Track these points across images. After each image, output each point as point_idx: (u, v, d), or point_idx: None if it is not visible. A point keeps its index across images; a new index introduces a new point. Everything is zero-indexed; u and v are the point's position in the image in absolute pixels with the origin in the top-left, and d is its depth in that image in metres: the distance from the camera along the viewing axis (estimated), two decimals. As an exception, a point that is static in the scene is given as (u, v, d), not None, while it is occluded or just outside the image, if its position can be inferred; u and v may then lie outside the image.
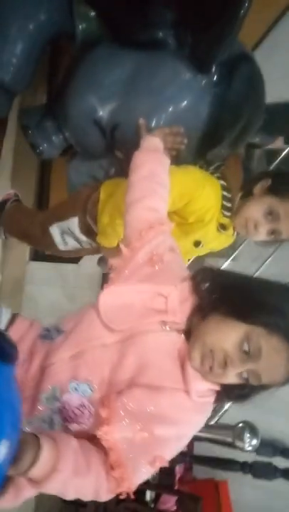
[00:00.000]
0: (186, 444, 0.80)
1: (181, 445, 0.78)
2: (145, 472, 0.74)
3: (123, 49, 1.17)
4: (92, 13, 1.23)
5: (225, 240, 1.29)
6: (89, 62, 1.22)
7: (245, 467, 2.26)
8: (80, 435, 0.76)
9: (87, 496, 0.73)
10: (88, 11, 1.23)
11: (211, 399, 0.79)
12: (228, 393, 0.79)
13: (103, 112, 1.19)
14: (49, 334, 0.85)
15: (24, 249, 2.32)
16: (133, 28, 1.10)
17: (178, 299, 0.80)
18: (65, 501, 2.46)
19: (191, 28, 1.05)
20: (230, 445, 2.19)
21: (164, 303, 0.79)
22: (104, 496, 0.74)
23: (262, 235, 1.14)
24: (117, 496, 0.74)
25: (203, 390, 0.77)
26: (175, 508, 2.30)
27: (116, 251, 1.26)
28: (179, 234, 1.20)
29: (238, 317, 0.74)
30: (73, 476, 0.67)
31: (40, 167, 2.24)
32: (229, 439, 2.04)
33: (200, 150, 1.21)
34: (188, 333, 0.80)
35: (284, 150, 1.85)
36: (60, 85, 1.60)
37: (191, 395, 0.75)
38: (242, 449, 2.05)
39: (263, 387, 0.76)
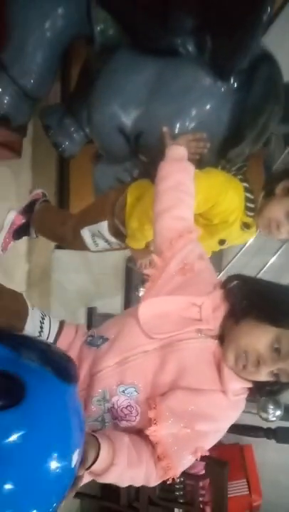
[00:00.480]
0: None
1: (218, 436, 0.89)
2: (188, 461, 0.85)
3: (143, 55, 1.19)
4: (110, 18, 1.24)
5: (248, 236, 1.35)
6: (110, 69, 1.25)
7: (268, 433, 2.41)
8: (129, 430, 0.87)
9: (139, 484, 0.85)
10: (106, 15, 1.25)
11: (244, 396, 0.88)
12: (259, 390, 0.88)
13: (127, 120, 1.23)
14: (94, 341, 0.94)
15: (49, 239, 2.41)
16: (153, 34, 1.12)
17: (211, 308, 0.88)
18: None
19: (211, 35, 1.06)
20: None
21: (198, 312, 0.87)
22: (154, 483, 0.86)
23: (284, 234, 1.20)
24: None
25: (238, 388, 0.86)
26: (203, 471, 2.44)
27: (144, 252, 1.34)
28: (205, 234, 1.26)
29: (269, 322, 0.82)
30: (128, 468, 0.79)
31: (59, 164, 2.30)
32: (254, 411, 2.18)
33: (222, 151, 1.25)
34: (222, 337, 0.87)
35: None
36: (78, 85, 1.63)
37: (228, 394, 0.84)
38: (266, 420, 2.19)
39: None
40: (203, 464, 2.48)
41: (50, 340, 0.96)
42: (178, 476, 0.87)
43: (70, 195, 2.35)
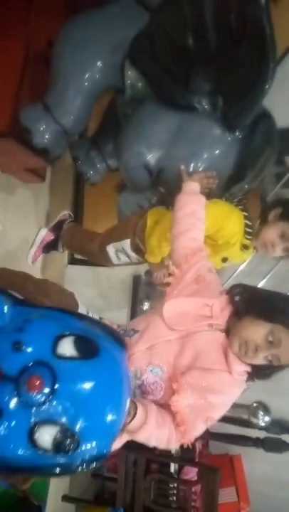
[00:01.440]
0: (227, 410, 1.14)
1: (224, 409, 1.12)
2: (200, 428, 1.08)
3: (166, 108, 1.50)
4: (140, 76, 1.56)
5: (246, 256, 1.63)
6: (138, 117, 1.55)
7: (257, 442, 2.61)
8: (154, 404, 1.11)
9: (162, 444, 1.06)
10: (137, 73, 1.56)
11: (245, 377, 1.13)
12: (256, 372, 1.12)
13: (151, 159, 1.53)
14: (126, 333, 1.18)
15: (63, 255, 2.66)
16: (175, 94, 1.43)
17: (219, 308, 1.13)
18: (92, 475, 2.82)
19: (223, 97, 1.37)
20: (244, 423, 2.53)
21: (210, 311, 1.11)
22: (174, 444, 1.07)
23: (278, 252, 1.48)
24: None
25: (240, 370, 1.10)
26: (196, 478, 2.60)
27: (160, 266, 1.61)
28: (211, 253, 1.53)
29: (264, 318, 1.07)
30: (156, 427, 1.01)
31: (75, 187, 2.60)
32: (245, 417, 2.39)
33: (227, 186, 1.54)
34: (228, 331, 1.12)
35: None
36: (103, 124, 1.92)
37: (233, 374, 1.08)
38: (256, 425, 2.40)
39: (281, 367, 1.09)
40: (195, 470, 2.66)
41: None
42: (192, 441, 1.09)
43: (83, 215, 2.63)
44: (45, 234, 1.88)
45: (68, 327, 0.83)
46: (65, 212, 1.94)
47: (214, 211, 1.45)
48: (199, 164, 1.48)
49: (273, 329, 1.04)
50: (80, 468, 0.77)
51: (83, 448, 0.75)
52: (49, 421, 0.72)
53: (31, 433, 0.71)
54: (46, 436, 0.71)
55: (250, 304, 1.11)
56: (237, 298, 1.14)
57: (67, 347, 0.78)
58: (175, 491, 2.47)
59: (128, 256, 1.65)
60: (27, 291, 1.17)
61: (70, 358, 0.77)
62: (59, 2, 1.96)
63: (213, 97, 1.40)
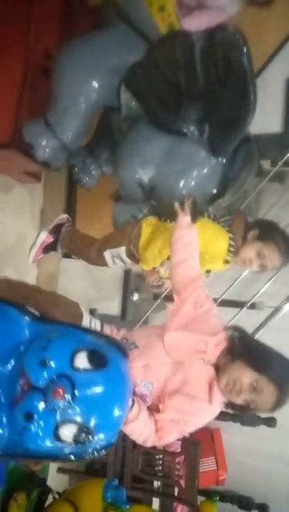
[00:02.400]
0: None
1: (197, 427, 1.26)
2: (174, 437, 1.26)
3: (159, 130, 1.65)
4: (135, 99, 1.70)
5: (225, 268, 1.83)
6: (133, 137, 1.71)
7: (234, 417, 2.87)
8: None
9: (140, 440, 1.24)
10: (132, 96, 1.70)
11: (221, 407, 1.26)
12: (232, 406, 1.26)
13: (144, 176, 1.70)
14: (128, 344, 1.28)
15: (57, 249, 2.82)
16: (167, 119, 1.58)
17: (214, 345, 1.23)
18: None
19: (209, 126, 1.54)
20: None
21: (205, 347, 1.22)
22: (149, 444, 1.26)
23: (255, 268, 1.71)
24: (134, 442, 1.28)
25: (220, 401, 1.23)
26: (179, 449, 2.86)
27: (152, 272, 1.80)
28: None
29: (255, 368, 1.19)
30: (142, 425, 1.19)
31: (67, 186, 2.74)
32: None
33: (211, 200, 1.73)
34: (217, 366, 1.24)
35: (271, 171, 2.39)
36: (96, 134, 2.05)
37: (212, 403, 1.21)
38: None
39: (254, 410, 1.24)
40: (179, 443, 2.93)
41: None
42: (163, 445, 1.31)
43: (76, 212, 2.79)
44: (45, 236, 2.04)
45: (81, 342, 1.02)
46: (63, 216, 2.10)
47: (204, 233, 1.63)
48: (188, 181, 1.66)
49: (259, 379, 1.18)
50: (92, 455, 0.98)
51: (96, 439, 0.96)
52: (69, 421, 0.92)
53: (56, 430, 0.91)
54: (67, 432, 0.92)
55: (246, 351, 1.23)
56: (236, 342, 1.26)
57: (82, 361, 0.97)
58: (160, 462, 2.72)
59: (123, 261, 1.84)
60: (40, 305, 1.32)
61: (85, 370, 0.96)
62: (54, 14, 2.05)
63: (201, 124, 1.56)
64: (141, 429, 1.20)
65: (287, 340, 2.94)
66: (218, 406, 1.24)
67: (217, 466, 3.15)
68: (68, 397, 0.91)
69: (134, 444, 2.77)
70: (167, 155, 1.65)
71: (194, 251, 1.42)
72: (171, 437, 1.26)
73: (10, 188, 2.51)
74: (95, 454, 1.00)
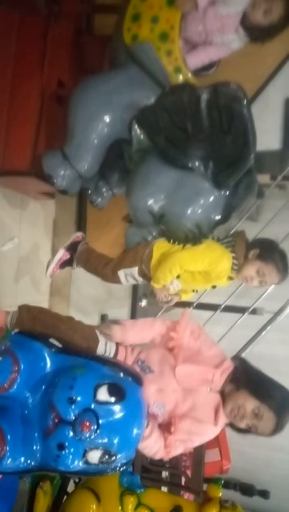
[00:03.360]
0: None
1: (201, 443, 1.48)
2: (179, 452, 1.42)
3: (168, 164, 1.79)
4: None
5: (229, 283, 1.99)
6: (144, 169, 1.85)
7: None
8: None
9: (150, 454, 1.40)
10: (143, 133, 1.83)
11: (223, 426, 1.41)
12: (235, 428, 1.40)
13: (155, 205, 1.84)
14: (143, 367, 1.42)
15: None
16: (175, 157, 1.72)
17: (219, 374, 1.38)
18: None
19: (213, 163, 1.67)
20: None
21: (212, 376, 1.38)
22: (158, 457, 1.41)
23: (255, 284, 1.86)
24: None
25: (223, 423, 1.38)
26: None
27: (162, 289, 1.96)
28: (204, 282, 1.91)
29: (257, 397, 1.33)
30: (153, 442, 1.35)
31: (78, 199, 2.88)
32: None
33: (216, 225, 1.87)
34: (223, 392, 1.39)
35: (271, 185, 2.53)
36: (108, 160, 2.18)
37: (217, 426, 1.37)
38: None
39: (256, 434, 1.37)
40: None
41: (111, 355, 1.56)
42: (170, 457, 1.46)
43: (87, 224, 2.93)
44: (62, 254, 2.20)
45: (101, 377, 1.19)
46: (78, 234, 2.25)
47: (211, 254, 1.80)
48: (195, 209, 1.81)
49: (261, 407, 1.32)
50: (113, 471, 1.17)
51: (118, 459, 1.14)
52: (95, 447, 1.10)
53: (84, 456, 1.09)
54: (94, 456, 1.11)
55: (249, 381, 1.38)
56: (240, 373, 1.41)
57: (103, 395, 1.14)
58: None
59: (135, 279, 2.00)
60: (60, 331, 1.49)
61: (107, 403, 1.13)
62: (66, 45, 2.16)
63: (206, 161, 1.70)
64: (152, 446, 1.37)
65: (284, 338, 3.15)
66: (221, 427, 1.40)
67: (221, 457, 3.35)
68: (94, 427, 1.09)
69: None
70: (175, 186, 1.79)
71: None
72: (177, 452, 1.43)
73: (26, 205, 2.66)
74: (116, 470, 1.18)
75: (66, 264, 2.25)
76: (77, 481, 1.98)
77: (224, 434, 3.42)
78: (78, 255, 2.17)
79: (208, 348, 1.46)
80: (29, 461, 1.19)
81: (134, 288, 2.92)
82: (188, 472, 2.93)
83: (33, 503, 1.73)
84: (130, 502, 1.63)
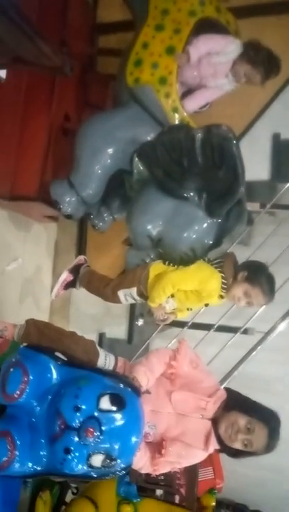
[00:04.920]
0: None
1: (188, 465, 1.61)
2: (166, 471, 1.53)
3: (165, 194, 1.96)
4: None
5: (222, 302, 2.13)
6: (144, 197, 2.02)
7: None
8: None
9: (137, 466, 1.46)
10: (143, 167, 2.01)
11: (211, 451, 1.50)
12: (231, 452, 1.52)
13: (153, 231, 2.00)
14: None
15: (69, 278, 3.11)
16: (172, 189, 1.89)
17: (213, 403, 1.48)
18: None
19: (206, 194, 1.84)
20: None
21: (206, 404, 1.47)
22: (143, 471, 1.51)
23: (242, 304, 2.00)
24: None
25: (213, 449, 1.48)
26: None
27: (159, 308, 2.09)
28: (197, 301, 2.05)
29: (246, 413, 1.45)
30: (138, 457, 1.41)
31: (79, 222, 3.04)
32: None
33: (208, 250, 2.03)
34: (214, 419, 1.47)
35: (260, 212, 2.71)
36: (109, 188, 2.35)
37: (207, 451, 1.47)
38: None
39: (251, 454, 1.47)
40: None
41: (110, 368, 1.68)
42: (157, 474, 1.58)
43: (86, 246, 3.09)
44: (66, 276, 2.34)
45: (104, 387, 1.31)
46: (81, 257, 2.40)
47: (200, 274, 1.95)
48: (190, 235, 1.97)
49: (251, 420, 1.45)
50: (114, 475, 1.28)
51: (118, 463, 1.25)
52: (98, 452, 1.21)
53: (88, 460, 1.20)
54: (97, 461, 1.21)
55: (238, 403, 1.51)
56: (230, 399, 1.53)
57: (105, 404, 1.26)
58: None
59: (134, 299, 2.13)
60: (64, 345, 1.61)
61: (108, 411, 1.25)
62: (72, 82, 2.35)
63: (200, 192, 1.87)
64: (136, 461, 1.43)
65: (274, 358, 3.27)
66: (210, 452, 1.50)
67: (214, 475, 3.40)
68: (97, 433, 1.20)
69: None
70: (172, 214, 1.96)
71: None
72: (164, 471, 1.54)
73: (30, 226, 2.81)
74: (117, 473, 1.29)
75: (69, 285, 2.38)
76: (75, 491, 2.07)
77: (217, 453, 3.50)
78: (81, 277, 2.31)
79: (204, 378, 1.57)
80: (35, 467, 1.30)
81: (132, 307, 3.05)
82: (183, 490, 3.00)
83: (33, 512, 1.82)
84: (127, 511, 1.72)
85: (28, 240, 2.83)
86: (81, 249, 3.04)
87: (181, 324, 2.95)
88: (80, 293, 3.12)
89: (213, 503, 2.04)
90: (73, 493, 2.03)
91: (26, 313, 2.87)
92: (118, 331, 3.09)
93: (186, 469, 2.99)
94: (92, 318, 3.13)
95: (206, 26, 2.02)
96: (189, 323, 2.85)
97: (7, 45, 1.16)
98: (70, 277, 2.34)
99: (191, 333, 2.86)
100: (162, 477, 3.06)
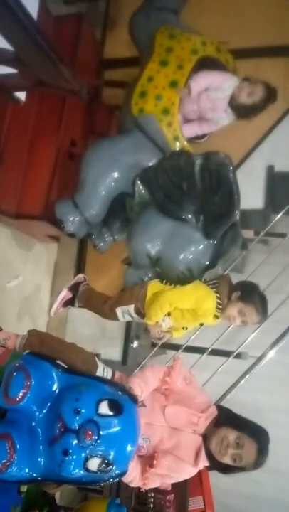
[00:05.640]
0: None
1: (177, 481, 1.59)
2: (156, 485, 1.55)
3: (165, 216, 2.06)
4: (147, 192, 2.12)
5: (216, 322, 2.19)
6: (145, 218, 2.13)
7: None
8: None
9: (127, 480, 1.48)
10: (144, 189, 2.12)
11: (201, 467, 1.54)
12: (221, 468, 1.54)
13: (152, 250, 2.10)
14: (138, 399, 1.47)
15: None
16: (171, 211, 2.00)
17: (204, 418, 1.53)
18: (78, 488, 3.29)
19: (204, 217, 1.96)
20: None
21: (198, 420, 1.52)
22: (134, 484, 1.52)
23: (237, 323, 2.07)
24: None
25: (202, 465, 1.52)
26: (170, 488, 3.05)
27: (156, 326, 2.15)
28: (192, 320, 2.11)
29: (236, 429, 1.49)
30: (131, 469, 1.42)
31: (79, 244, 3.14)
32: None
33: (204, 270, 2.11)
34: (205, 435, 1.52)
35: (254, 239, 2.82)
36: (111, 210, 2.45)
37: (196, 467, 1.51)
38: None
39: (240, 469, 1.50)
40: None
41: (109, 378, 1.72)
42: (147, 489, 1.60)
43: (86, 267, 3.17)
44: (65, 293, 2.40)
45: (103, 393, 1.36)
46: (81, 276, 2.47)
47: (196, 293, 2.02)
48: (187, 255, 2.06)
49: (241, 436, 1.49)
50: (109, 481, 1.30)
51: (114, 468, 1.28)
52: (96, 455, 1.24)
53: (85, 462, 1.23)
54: (94, 464, 1.24)
55: (228, 419, 1.55)
56: (221, 415, 1.57)
57: (104, 409, 1.30)
58: (152, 500, 2.93)
59: (131, 316, 2.20)
60: (64, 355, 1.67)
61: (107, 416, 1.29)
62: (79, 111, 2.52)
63: (197, 215, 1.99)
64: (129, 473, 1.43)
65: (265, 386, 3.30)
66: (199, 468, 1.53)
67: (204, 505, 3.35)
68: (95, 437, 1.24)
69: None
70: (171, 234, 2.06)
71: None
72: (154, 485, 1.56)
73: (32, 245, 2.90)
74: (111, 480, 1.32)
75: (68, 303, 2.45)
76: (65, 514, 2.05)
77: (208, 482, 3.46)
78: (80, 294, 2.38)
79: (197, 394, 1.62)
80: (31, 472, 1.32)
81: (127, 329, 3.09)
82: (172, 519, 2.95)
83: (23, 533, 1.81)
84: None
85: (29, 259, 2.91)
86: (80, 271, 3.13)
87: (175, 347, 3.00)
88: (77, 313, 3.19)
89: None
90: (63, 516, 2.02)
91: (24, 331, 2.90)
92: (113, 352, 3.12)
93: (176, 497, 2.98)
94: (88, 338, 3.16)
95: (207, 64, 2.20)
96: (183, 346, 2.90)
97: (31, 69, 1.28)
98: (69, 295, 2.41)
99: (184, 358, 2.89)
100: (151, 505, 3.03)
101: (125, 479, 1.48)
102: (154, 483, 1.54)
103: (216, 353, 2.88)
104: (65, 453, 1.23)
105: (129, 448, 1.31)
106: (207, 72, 2.18)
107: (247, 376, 2.67)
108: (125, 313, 2.19)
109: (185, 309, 2.09)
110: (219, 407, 1.62)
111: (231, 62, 2.34)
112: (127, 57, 2.86)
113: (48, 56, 1.19)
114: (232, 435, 1.49)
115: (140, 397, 1.53)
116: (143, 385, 1.55)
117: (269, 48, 2.81)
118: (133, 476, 1.50)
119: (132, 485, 1.54)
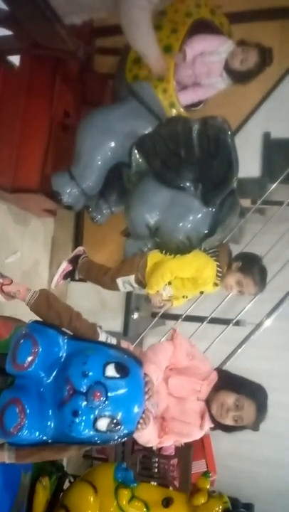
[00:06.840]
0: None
1: (188, 441, 1.75)
2: (170, 443, 1.69)
3: (163, 185, 2.05)
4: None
5: (216, 289, 2.22)
6: (142, 188, 2.11)
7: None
8: None
9: (143, 442, 1.59)
10: (142, 159, 2.10)
11: (208, 429, 1.63)
12: (224, 428, 1.60)
13: (151, 220, 2.10)
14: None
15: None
16: (169, 179, 1.99)
17: (206, 385, 1.60)
18: (84, 456, 3.39)
19: (202, 184, 1.95)
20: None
21: (200, 386, 1.59)
22: (151, 444, 1.62)
23: (235, 292, 2.11)
24: (132, 447, 1.73)
25: (207, 427, 1.59)
26: (174, 453, 3.17)
27: (156, 295, 2.18)
28: (192, 288, 2.14)
29: (234, 391, 1.55)
30: (149, 432, 1.50)
31: (76, 218, 3.12)
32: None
33: (204, 238, 2.13)
34: (208, 400, 1.59)
35: (251, 208, 2.82)
36: (108, 181, 2.44)
37: (202, 429, 1.59)
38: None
39: (241, 428, 1.57)
40: (173, 447, 3.25)
41: None
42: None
43: (83, 241, 3.17)
44: (65, 266, 2.42)
45: (109, 357, 1.39)
46: (80, 248, 2.48)
47: (197, 262, 2.06)
48: (186, 224, 2.07)
49: (239, 398, 1.54)
50: (117, 441, 1.35)
51: (122, 428, 1.32)
52: (104, 415, 1.28)
53: (94, 423, 1.27)
54: (103, 424, 1.28)
55: (225, 382, 1.61)
56: (220, 379, 1.63)
57: (111, 371, 1.33)
58: (156, 464, 3.01)
59: (132, 286, 2.23)
60: (70, 320, 1.70)
61: (114, 378, 1.33)
62: (71, 81, 2.46)
63: (195, 182, 1.97)
64: (146, 434, 1.53)
65: (264, 353, 3.37)
66: (205, 430, 1.61)
67: (207, 468, 3.48)
68: (103, 398, 1.27)
69: (133, 449, 3.10)
70: (169, 203, 2.06)
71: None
72: (168, 443, 1.69)
73: (28, 221, 2.89)
74: (119, 440, 1.36)
75: (69, 275, 2.46)
76: (72, 480, 2.12)
77: (210, 446, 3.57)
78: (80, 267, 2.39)
79: (200, 365, 1.68)
80: (42, 436, 1.36)
81: (127, 301, 3.13)
82: (176, 483, 3.05)
83: (33, 496, 1.87)
84: (124, 495, 1.79)
85: (26, 235, 2.90)
86: (78, 245, 3.11)
87: (175, 317, 3.04)
88: (77, 287, 3.21)
89: (208, 486, 2.10)
90: (70, 483, 2.09)
91: (24, 306, 2.93)
92: (114, 324, 3.15)
93: (180, 462, 3.07)
94: (88, 311, 3.12)
95: (201, 27, 2.14)
96: (183, 316, 2.93)
97: (27, 30, 1.24)
98: (69, 267, 2.42)
99: (184, 328, 2.94)
100: (156, 469, 3.13)
101: (142, 441, 1.57)
102: (168, 443, 1.65)
103: (215, 321, 2.92)
104: (75, 414, 1.26)
105: (136, 409, 1.35)
106: (202, 36, 2.13)
107: (246, 343, 2.72)
108: (126, 283, 2.21)
109: (185, 278, 2.11)
110: (218, 371, 1.68)
111: (226, 25, 2.28)
112: (118, 24, 2.77)
113: (44, 14, 1.15)
114: (231, 398, 1.54)
115: (156, 381, 1.55)
116: (158, 370, 1.59)
117: (263, 10, 2.73)
118: (150, 437, 1.57)
119: (148, 445, 1.62)
